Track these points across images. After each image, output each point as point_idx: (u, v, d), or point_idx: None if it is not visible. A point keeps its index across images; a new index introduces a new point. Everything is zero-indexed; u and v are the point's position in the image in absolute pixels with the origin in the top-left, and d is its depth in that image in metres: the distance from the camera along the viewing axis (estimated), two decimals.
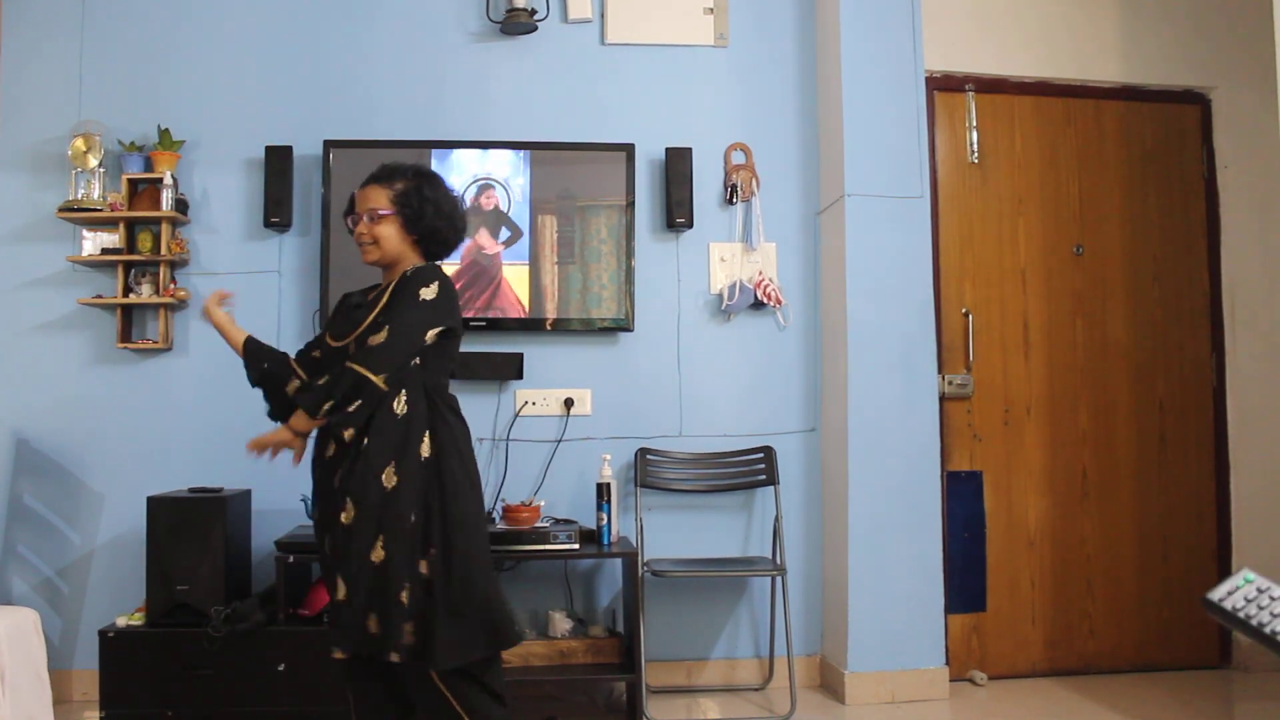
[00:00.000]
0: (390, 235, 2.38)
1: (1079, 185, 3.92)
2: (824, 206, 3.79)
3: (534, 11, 3.72)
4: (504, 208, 3.64)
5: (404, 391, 2.29)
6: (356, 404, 2.24)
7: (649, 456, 3.63)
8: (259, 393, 2.48)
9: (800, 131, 3.86)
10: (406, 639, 2.22)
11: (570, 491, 3.62)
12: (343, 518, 2.25)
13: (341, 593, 2.25)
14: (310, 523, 3.34)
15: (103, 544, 3.54)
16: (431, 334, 2.31)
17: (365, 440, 2.25)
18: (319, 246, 3.58)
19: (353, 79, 3.71)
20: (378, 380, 2.23)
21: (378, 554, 2.23)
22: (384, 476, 2.25)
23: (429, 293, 2.32)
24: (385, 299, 2.35)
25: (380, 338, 2.27)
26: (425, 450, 2.29)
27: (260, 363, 2.46)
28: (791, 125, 3.86)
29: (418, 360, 2.32)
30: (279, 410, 2.45)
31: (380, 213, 2.38)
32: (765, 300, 3.72)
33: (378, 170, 2.45)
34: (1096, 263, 3.91)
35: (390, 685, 2.37)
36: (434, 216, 2.41)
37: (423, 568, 2.25)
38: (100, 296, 3.54)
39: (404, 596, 2.22)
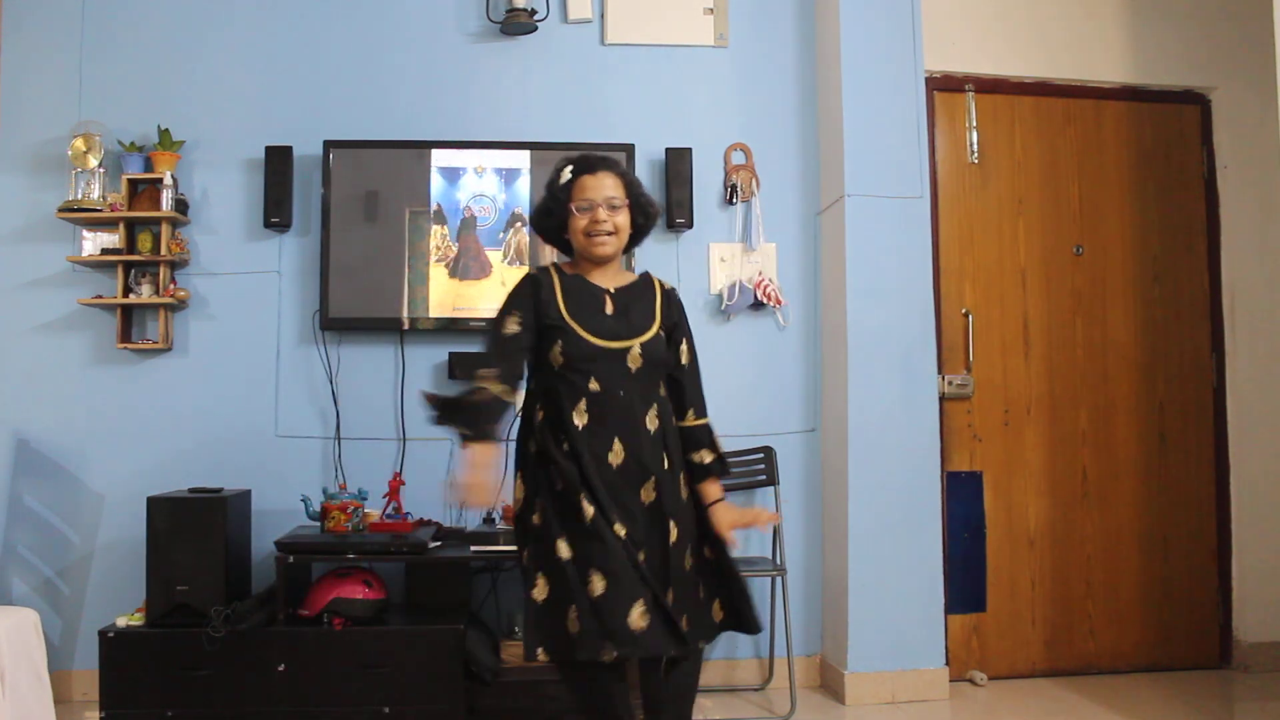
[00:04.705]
0: (625, 225, 2.35)
1: (1079, 185, 3.92)
2: (824, 206, 3.79)
3: (534, 11, 3.72)
4: (503, 207, 3.64)
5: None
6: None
7: None
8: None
9: (800, 131, 3.86)
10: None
11: None
12: (672, 537, 2.28)
13: (671, 597, 2.25)
14: (310, 523, 3.36)
15: (103, 544, 3.54)
16: None
17: (672, 461, 2.32)
18: (319, 246, 3.58)
19: (353, 79, 3.71)
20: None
21: (688, 562, 2.32)
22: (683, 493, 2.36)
23: None
24: (659, 305, 2.38)
25: (687, 363, 2.40)
26: None
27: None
28: (791, 125, 3.86)
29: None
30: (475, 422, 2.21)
31: (619, 202, 2.33)
32: (765, 300, 3.72)
33: (598, 158, 2.37)
34: (1096, 263, 3.91)
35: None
36: (651, 206, 2.41)
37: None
38: (100, 297, 3.54)
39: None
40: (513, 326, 2.27)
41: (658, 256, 3.75)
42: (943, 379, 3.72)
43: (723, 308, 3.75)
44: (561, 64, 3.79)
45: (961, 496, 3.77)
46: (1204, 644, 3.87)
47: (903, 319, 3.56)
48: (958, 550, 3.74)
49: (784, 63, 3.87)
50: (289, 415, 3.61)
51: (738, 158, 3.82)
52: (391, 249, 3.61)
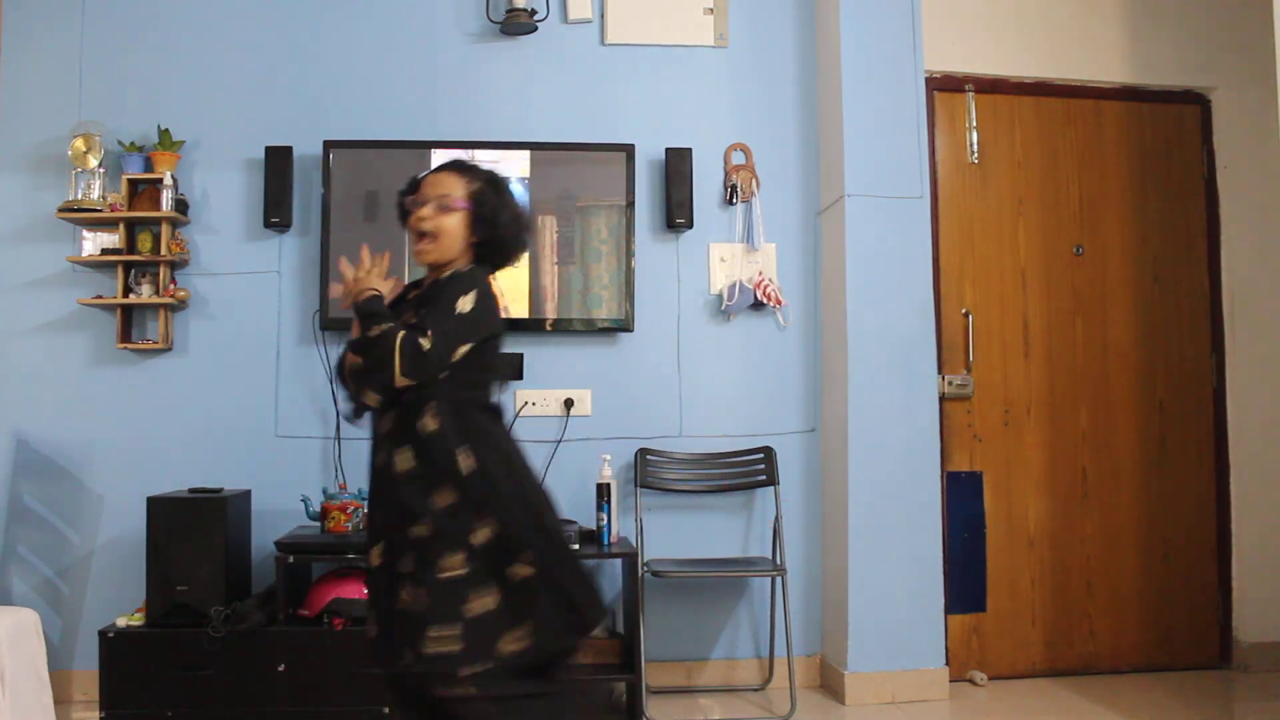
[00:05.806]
0: (453, 231, 2.12)
1: (1079, 185, 3.92)
2: (824, 206, 3.79)
3: (534, 11, 3.72)
4: None
5: (433, 404, 2.04)
6: (376, 351, 1.99)
7: (649, 457, 3.63)
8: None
9: (800, 131, 3.86)
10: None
11: (570, 492, 3.61)
12: (417, 530, 2.04)
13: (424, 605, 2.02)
14: (310, 523, 3.37)
15: (103, 544, 3.54)
16: (462, 350, 2.04)
17: (415, 461, 2.04)
18: (319, 246, 3.58)
19: (352, 79, 3.71)
20: (404, 361, 1.98)
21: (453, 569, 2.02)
22: (438, 496, 2.02)
23: (465, 304, 2.04)
24: (425, 292, 2.15)
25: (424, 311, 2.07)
26: (466, 466, 2.03)
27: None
28: (791, 125, 3.86)
29: (444, 374, 2.05)
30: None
31: (451, 203, 2.12)
32: (765, 300, 3.72)
33: (454, 161, 2.26)
34: (1096, 263, 3.91)
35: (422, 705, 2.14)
36: (505, 223, 2.17)
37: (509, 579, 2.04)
38: (100, 297, 3.54)
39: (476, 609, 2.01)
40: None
41: (658, 257, 3.76)
42: (943, 379, 3.72)
43: (723, 308, 3.75)
44: (561, 64, 3.79)
45: (961, 496, 3.77)
46: (1204, 644, 3.87)
47: (903, 319, 3.56)
48: (957, 550, 3.74)
49: (784, 63, 3.87)
50: (289, 415, 3.61)
51: (738, 158, 3.82)
52: (391, 249, 3.60)
